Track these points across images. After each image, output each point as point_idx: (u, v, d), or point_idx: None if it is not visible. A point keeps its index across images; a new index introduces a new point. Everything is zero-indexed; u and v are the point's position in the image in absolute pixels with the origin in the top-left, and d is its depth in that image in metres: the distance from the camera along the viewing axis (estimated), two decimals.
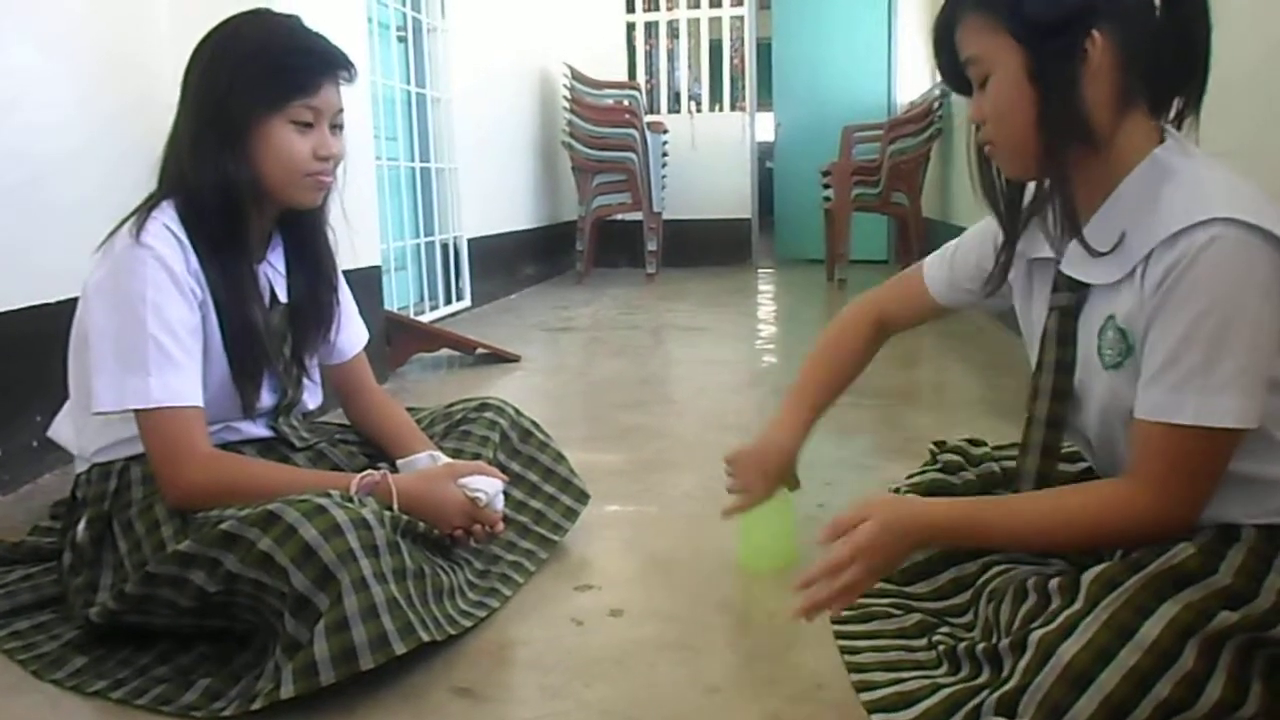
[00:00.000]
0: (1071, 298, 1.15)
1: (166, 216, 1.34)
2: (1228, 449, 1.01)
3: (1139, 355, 1.05)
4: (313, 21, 1.43)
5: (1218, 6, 1.06)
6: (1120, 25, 1.03)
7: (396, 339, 3.18)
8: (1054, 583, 1.07)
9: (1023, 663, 0.98)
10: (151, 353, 1.29)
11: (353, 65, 1.44)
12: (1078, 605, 0.99)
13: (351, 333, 1.64)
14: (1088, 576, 1.02)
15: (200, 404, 1.34)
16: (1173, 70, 1.06)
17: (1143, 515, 1.04)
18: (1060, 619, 0.99)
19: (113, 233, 1.36)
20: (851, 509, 1.15)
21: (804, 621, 1.14)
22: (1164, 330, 1.00)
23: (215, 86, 1.35)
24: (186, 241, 1.35)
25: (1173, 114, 1.10)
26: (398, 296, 3.97)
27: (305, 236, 1.52)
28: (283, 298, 1.50)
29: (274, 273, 1.50)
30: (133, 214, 1.36)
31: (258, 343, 1.42)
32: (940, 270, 1.41)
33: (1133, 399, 1.05)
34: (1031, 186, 1.17)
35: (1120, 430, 1.10)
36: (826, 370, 1.53)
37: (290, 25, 1.42)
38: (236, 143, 1.35)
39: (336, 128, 1.43)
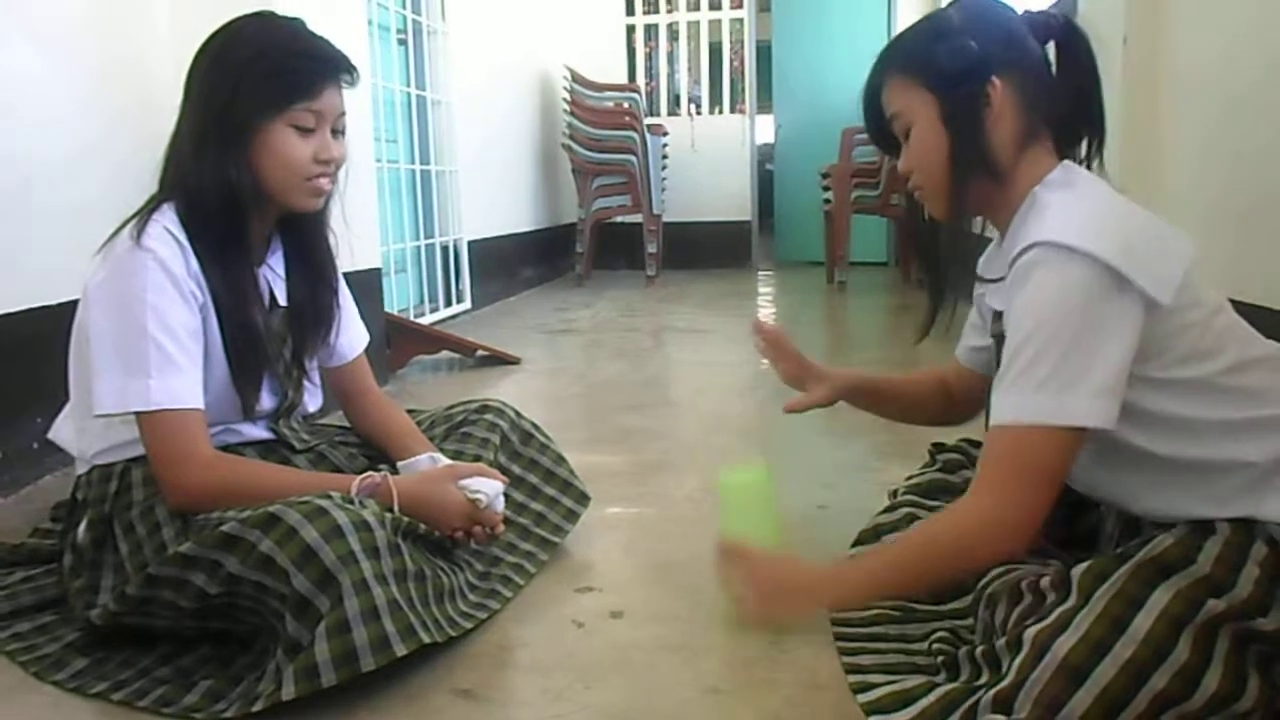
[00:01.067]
0: (1000, 326, 1.22)
1: (167, 219, 1.35)
2: (1052, 447, 1.07)
3: None
4: (313, 24, 1.44)
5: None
6: (1016, 73, 1.18)
7: (396, 341, 3.18)
8: (1046, 580, 1.10)
9: (1018, 660, 0.99)
10: (152, 355, 1.29)
11: (355, 68, 1.44)
12: (1071, 600, 1.02)
13: (352, 335, 1.64)
14: (1077, 571, 1.05)
15: (201, 406, 1.34)
16: (1070, 113, 1.22)
17: (983, 518, 1.10)
18: (1054, 615, 1.01)
19: (113, 235, 1.36)
20: (762, 561, 1.29)
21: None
22: (1005, 345, 1.11)
23: (218, 89, 1.35)
24: (187, 244, 1.35)
25: (1083, 154, 1.24)
26: (398, 299, 3.97)
27: (306, 239, 1.52)
28: (282, 300, 1.50)
29: (274, 275, 1.50)
30: (133, 216, 1.36)
31: (258, 345, 1.42)
32: (962, 340, 1.49)
33: None
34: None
35: None
36: (888, 375, 1.62)
37: (293, 28, 1.42)
38: (238, 145, 1.35)
39: (338, 132, 1.43)
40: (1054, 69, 1.23)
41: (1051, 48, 1.23)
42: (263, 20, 1.43)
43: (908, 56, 1.23)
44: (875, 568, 1.24)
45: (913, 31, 1.26)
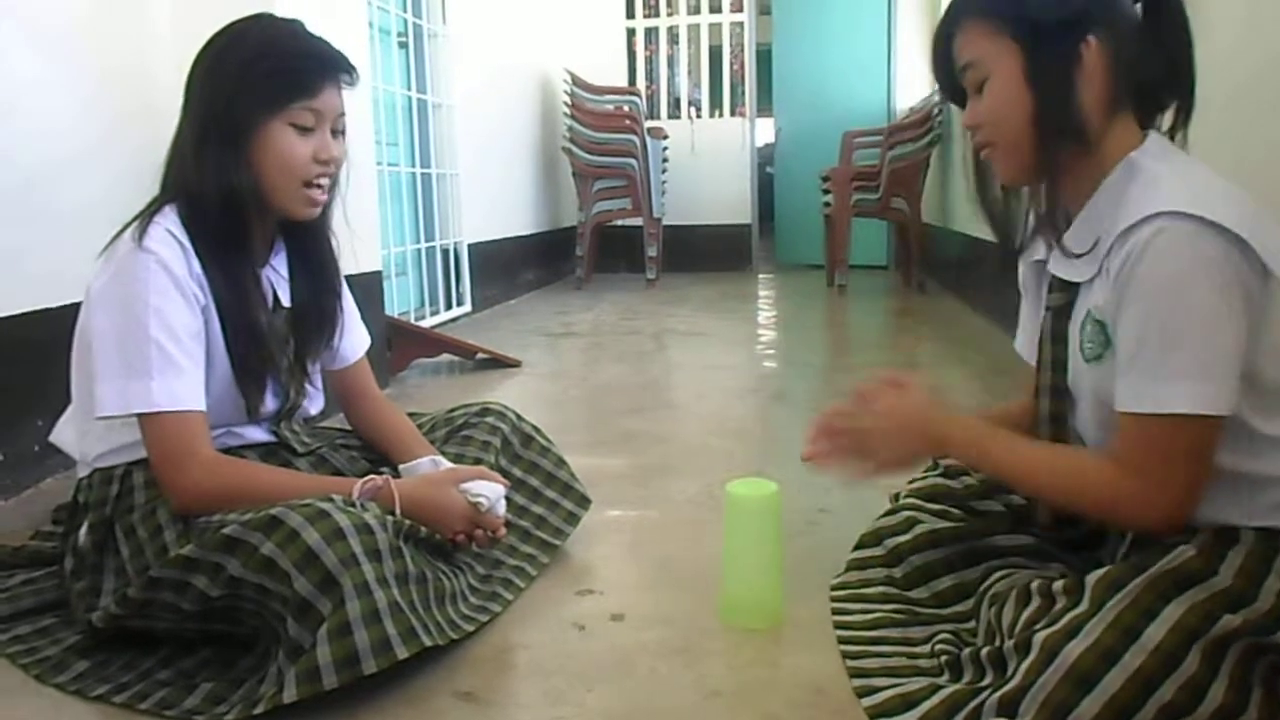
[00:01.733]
0: (1063, 297, 1.19)
1: (169, 221, 1.35)
2: (1199, 434, 1.02)
3: (1116, 348, 1.08)
4: (314, 27, 1.44)
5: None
6: (1111, 33, 1.09)
7: (397, 344, 3.18)
8: (1058, 585, 1.08)
9: (1026, 663, 0.98)
10: (154, 357, 1.29)
11: (354, 69, 1.44)
12: (1083, 607, 1.00)
13: (354, 338, 1.64)
14: (1092, 578, 1.03)
15: (203, 408, 1.34)
16: (1159, 80, 1.13)
17: (1128, 498, 1.06)
18: (1065, 620, 0.99)
19: (115, 237, 1.36)
20: (887, 382, 1.28)
21: (805, 463, 1.30)
22: (1125, 324, 1.04)
23: (218, 89, 1.36)
24: (189, 246, 1.35)
25: (1166, 126, 1.15)
26: (398, 302, 3.97)
27: (308, 241, 1.52)
28: (285, 302, 1.51)
29: (277, 277, 1.50)
30: (135, 218, 1.36)
31: (262, 345, 1.42)
32: (1019, 337, 1.39)
33: (1113, 393, 1.08)
34: (1025, 196, 1.21)
35: (1110, 425, 1.12)
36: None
37: (293, 29, 1.42)
38: (239, 145, 1.35)
39: (338, 132, 1.43)
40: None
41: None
42: (263, 21, 1.43)
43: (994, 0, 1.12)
44: (1009, 457, 1.18)
45: None
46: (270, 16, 1.45)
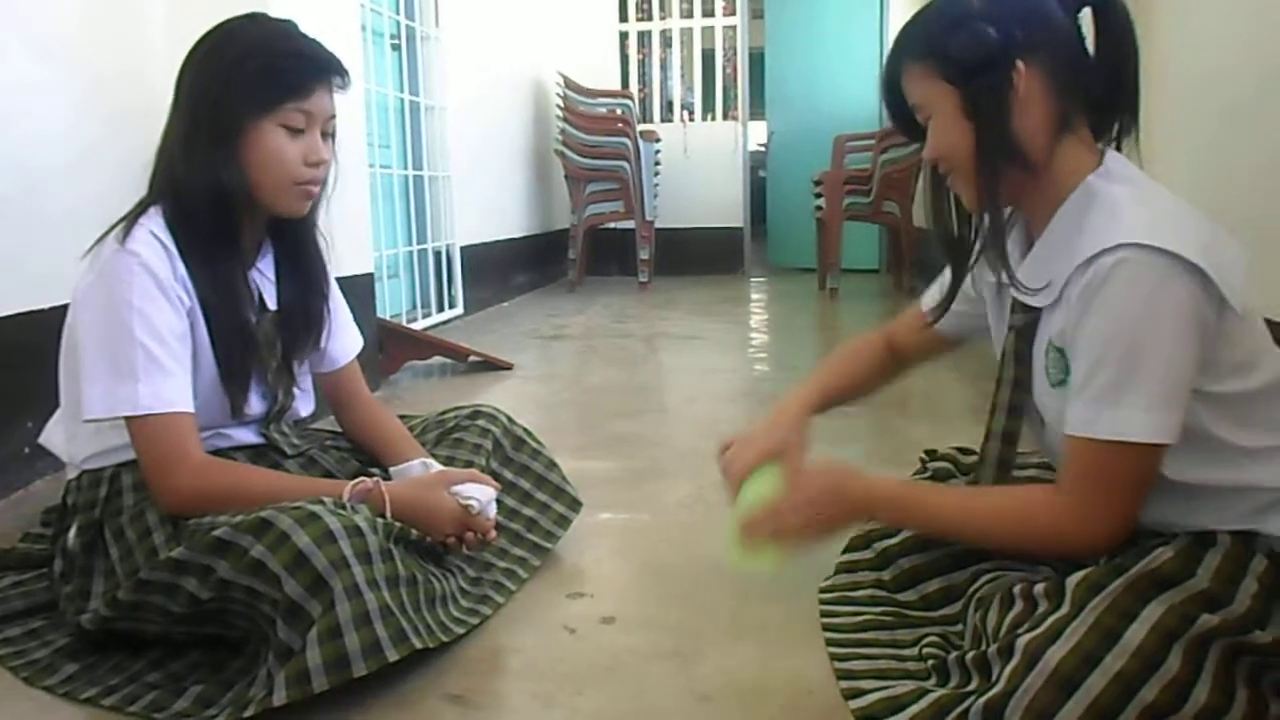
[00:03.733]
0: (1025, 319, 1.20)
1: (153, 223, 1.34)
2: (1145, 463, 1.05)
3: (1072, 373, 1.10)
4: (307, 29, 1.43)
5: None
6: (1046, 54, 1.11)
7: (389, 346, 3.18)
8: (1039, 588, 1.09)
9: (1009, 668, 0.99)
10: (140, 359, 1.29)
11: (346, 72, 1.44)
12: (1063, 609, 1.01)
13: (345, 340, 1.64)
14: (1072, 580, 1.04)
15: (190, 409, 1.33)
16: (1106, 93, 1.13)
17: (1063, 522, 1.09)
18: (1046, 623, 1.00)
19: (100, 239, 1.36)
20: (807, 469, 1.30)
21: (743, 544, 1.30)
22: (1083, 349, 1.06)
23: (208, 88, 1.35)
24: (173, 248, 1.34)
25: (1113, 134, 1.16)
26: (390, 304, 3.97)
27: (295, 243, 1.52)
28: (271, 305, 1.50)
29: (264, 280, 1.50)
30: (120, 221, 1.36)
31: (249, 344, 1.41)
32: (934, 297, 1.42)
33: None
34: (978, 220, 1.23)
35: None
36: (831, 371, 1.54)
37: (285, 29, 1.41)
38: (228, 145, 1.35)
39: (328, 135, 1.43)
40: (1087, 43, 1.14)
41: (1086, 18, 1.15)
42: (255, 21, 1.42)
43: (923, 45, 1.16)
44: (943, 510, 1.21)
45: (926, 16, 1.17)
46: (263, 16, 1.44)
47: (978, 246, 1.23)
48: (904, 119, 1.23)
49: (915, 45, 1.17)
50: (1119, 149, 1.16)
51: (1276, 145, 2.10)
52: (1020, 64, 1.09)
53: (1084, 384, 1.06)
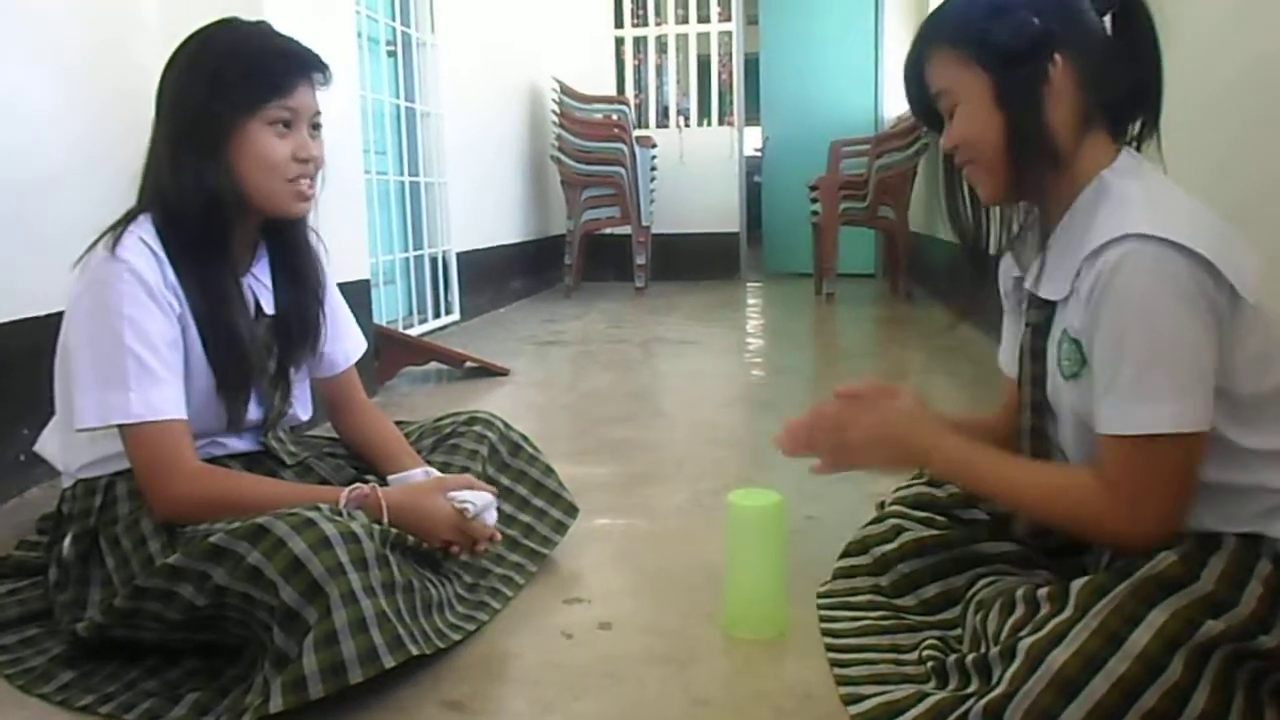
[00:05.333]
0: (1042, 314, 1.20)
1: (143, 230, 1.34)
2: (1182, 452, 1.03)
3: (1092, 368, 1.09)
4: (303, 36, 1.43)
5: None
6: (1078, 50, 1.11)
7: (385, 352, 3.18)
8: (1042, 592, 1.09)
9: (1011, 670, 0.99)
10: (131, 368, 1.28)
11: (326, 67, 1.43)
12: (1067, 613, 1.01)
13: (347, 344, 1.64)
14: (1077, 585, 1.04)
15: (184, 416, 1.33)
16: (1128, 93, 1.14)
17: (1113, 516, 1.07)
18: (1049, 626, 1.00)
19: (90, 247, 1.35)
20: (883, 385, 1.30)
21: (782, 453, 1.32)
22: (1099, 346, 1.06)
23: (190, 94, 1.35)
24: (163, 255, 1.34)
25: (1133, 135, 1.17)
26: (386, 310, 3.96)
27: (289, 248, 1.51)
28: (268, 310, 1.49)
29: (259, 285, 1.49)
30: (110, 229, 1.35)
31: (243, 354, 1.41)
32: (1002, 349, 1.39)
33: (1091, 410, 1.09)
34: (997, 213, 1.24)
35: (1089, 441, 1.13)
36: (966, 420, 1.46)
37: (261, 29, 1.41)
38: (215, 150, 1.34)
39: (315, 129, 1.42)
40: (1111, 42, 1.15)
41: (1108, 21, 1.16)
42: (230, 24, 1.41)
43: (959, 30, 1.14)
44: (994, 474, 1.19)
45: (964, 1, 1.16)
46: (237, 19, 1.43)
47: (997, 237, 1.23)
48: (924, 105, 1.22)
49: (950, 29, 1.16)
50: (1139, 148, 1.17)
51: (1259, 137, 2.11)
52: (1057, 57, 1.10)
53: (1109, 383, 1.05)
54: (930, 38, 1.18)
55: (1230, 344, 1.03)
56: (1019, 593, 1.12)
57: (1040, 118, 1.11)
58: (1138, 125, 1.17)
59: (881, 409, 1.28)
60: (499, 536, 1.47)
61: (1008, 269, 1.29)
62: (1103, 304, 1.04)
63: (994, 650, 1.06)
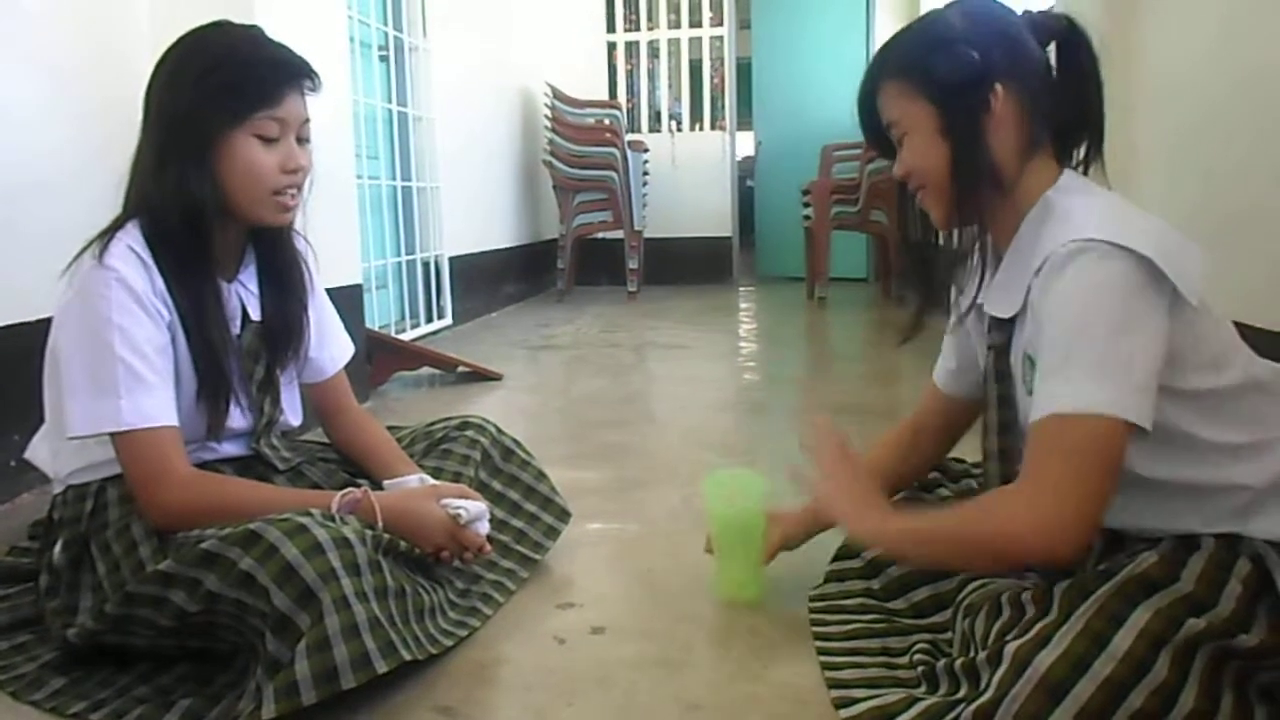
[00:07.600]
0: (1002, 336, 1.22)
1: (131, 238, 1.33)
2: (1103, 438, 0.99)
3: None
4: (295, 41, 1.42)
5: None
6: (1019, 79, 1.15)
7: (377, 357, 3.18)
8: (1027, 595, 1.10)
9: (998, 675, 0.99)
10: (121, 375, 1.28)
11: (316, 74, 1.41)
12: (1052, 615, 1.02)
13: (334, 349, 1.63)
14: (1060, 587, 1.05)
15: (175, 423, 1.33)
16: (1072, 118, 1.18)
17: (1029, 511, 1.01)
18: (1035, 629, 1.01)
19: (78, 255, 1.34)
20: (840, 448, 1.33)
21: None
22: (1042, 345, 1.07)
23: (176, 101, 1.33)
24: (151, 262, 1.33)
25: (1079, 159, 1.20)
26: (379, 315, 3.96)
27: (275, 254, 1.50)
28: (255, 316, 1.48)
29: (246, 292, 1.48)
30: (98, 236, 1.34)
31: (220, 364, 1.39)
32: (940, 366, 1.44)
33: None
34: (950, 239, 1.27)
35: None
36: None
37: (252, 35, 1.39)
38: (200, 159, 1.33)
39: (303, 140, 1.40)
40: (1054, 71, 1.19)
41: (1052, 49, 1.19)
42: (220, 29, 1.39)
43: (903, 64, 1.19)
44: (913, 537, 1.18)
45: (908, 36, 1.21)
46: (228, 23, 1.41)
47: (943, 261, 1.27)
48: (877, 135, 1.27)
49: (896, 63, 1.20)
50: (1086, 171, 1.20)
51: (1246, 148, 2.13)
52: (998, 86, 1.13)
53: (1041, 374, 1.05)
54: (880, 70, 1.22)
55: (1179, 343, 1.04)
56: (1005, 596, 1.13)
57: (982, 145, 1.14)
58: (1083, 149, 1.21)
59: (836, 481, 1.30)
60: (489, 548, 1.47)
61: (963, 296, 1.30)
62: (1043, 303, 1.06)
63: (981, 655, 1.06)
